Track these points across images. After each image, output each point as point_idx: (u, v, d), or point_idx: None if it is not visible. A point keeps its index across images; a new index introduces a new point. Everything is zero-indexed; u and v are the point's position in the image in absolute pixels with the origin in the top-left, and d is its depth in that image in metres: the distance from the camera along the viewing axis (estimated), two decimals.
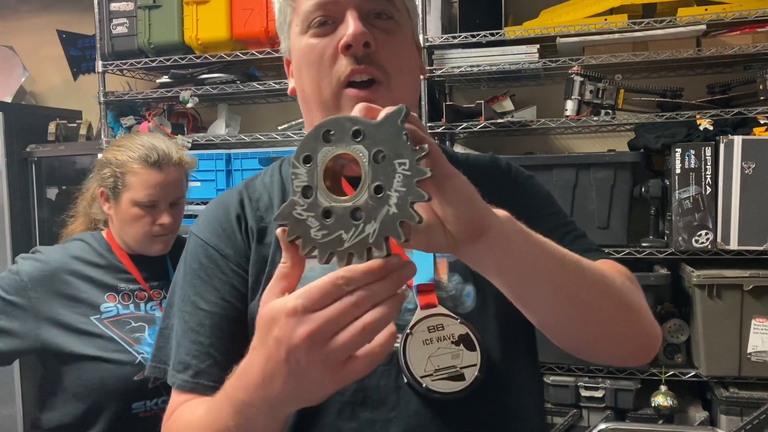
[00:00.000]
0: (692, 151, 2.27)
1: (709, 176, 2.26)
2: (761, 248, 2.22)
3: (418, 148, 0.55)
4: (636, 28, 2.37)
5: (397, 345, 0.84)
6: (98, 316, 1.54)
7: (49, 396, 1.56)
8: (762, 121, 2.27)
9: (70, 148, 3.03)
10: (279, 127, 2.79)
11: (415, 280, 0.87)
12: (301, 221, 0.57)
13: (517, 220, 0.67)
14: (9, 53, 3.41)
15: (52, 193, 3.20)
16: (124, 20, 2.81)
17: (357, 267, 0.55)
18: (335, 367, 0.57)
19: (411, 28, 0.93)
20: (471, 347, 0.86)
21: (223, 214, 0.96)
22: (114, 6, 2.82)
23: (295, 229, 0.58)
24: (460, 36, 2.52)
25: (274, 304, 0.58)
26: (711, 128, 2.29)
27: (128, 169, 1.58)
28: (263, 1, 2.62)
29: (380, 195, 0.55)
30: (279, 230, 0.59)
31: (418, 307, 0.86)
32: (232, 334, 0.88)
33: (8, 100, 3.30)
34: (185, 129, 3.00)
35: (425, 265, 0.89)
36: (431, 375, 0.84)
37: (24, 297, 1.53)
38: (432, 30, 2.56)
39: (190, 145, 2.78)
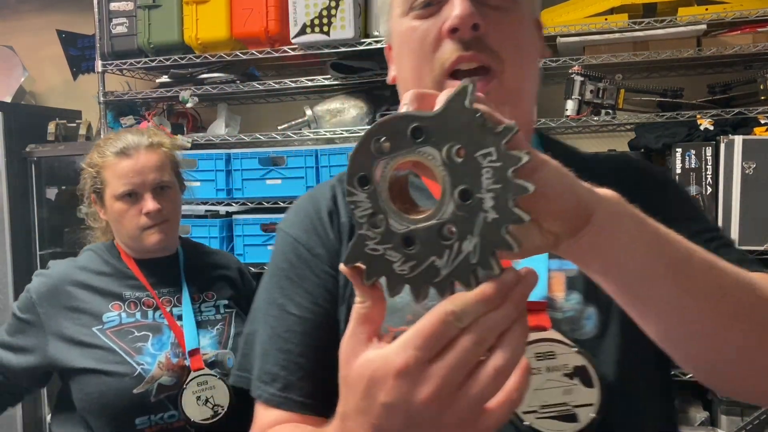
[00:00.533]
0: (693, 151, 2.26)
1: (709, 176, 2.25)
2: (762, 248, 2.22)
3: (501, 129, 0.43)
4: (636, 27, 2.37)
5: None
6: (100, 327, 1.48)
7: (60, 411, 1.53)
8: (762, 121, 2.27)
9: (70, 148, 3.03)
10: (279, 127, 2.78)
11: None
12: (378, 257, 0.47)
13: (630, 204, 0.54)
14: (9, 53, 3.40)
15: (51, 193, 3.19)
16: (124, 20, 2.80)
17: (467, 296, 0.45)
18: (470, 424, 0.46)
19: (530, 3, 0.80)
20: (588, 382, 0.70)
21: (314, 209, 0.86)
22: (113, 6, 2.81)
23: (374, 268, 0.47)
24: None
25: (370, 361, 0.47)
26: (711, 128, 2.29)
27: (102, 165, 1.53)
28: (263, 1, 2.61)
29: (469, 201, 0.44)
30: (344, 267, 0.48)
31: None
32: (323, 343, 0.79)
33: (8, 99, 3.30)
34: (185, 129, 3.00)
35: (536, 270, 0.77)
36: (536, 411, 0.70)
37: (33, 313, 1.50)
38: None
39: (189, 145, 2.78)
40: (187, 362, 1.48)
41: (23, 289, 1.57)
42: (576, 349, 0.72)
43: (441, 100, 0.46)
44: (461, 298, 0.45)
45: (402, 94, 0.77)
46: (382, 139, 0.46)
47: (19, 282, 2.94)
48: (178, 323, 1.52)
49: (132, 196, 1.51)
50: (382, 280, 0.47)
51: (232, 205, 2.73)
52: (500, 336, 0.45)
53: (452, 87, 0.69)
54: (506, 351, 0.45)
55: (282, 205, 2.63)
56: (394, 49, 0.83)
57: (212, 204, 2.73)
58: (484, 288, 0.44)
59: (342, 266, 0.48)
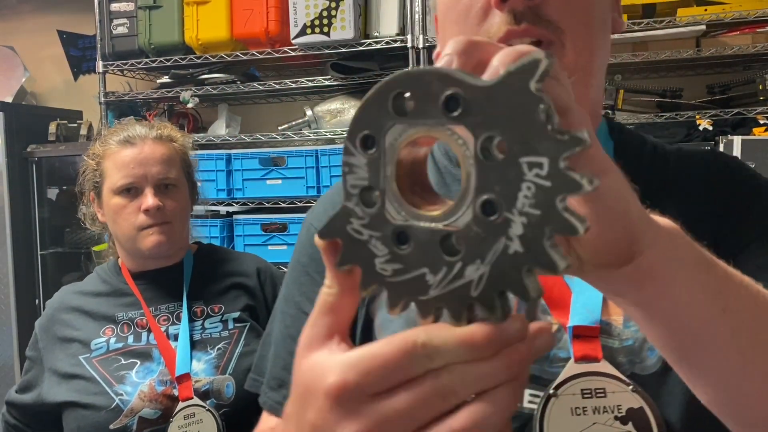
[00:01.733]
0: None
1: None
2: None
3: (567, 137, 0.31)
4: (636, 28, 2.37)
5: (532, 407, 0.60)
6: (87, 355, 1.32)
7: None
8: (761, 121, 2.27)
9: (71, 148, 3.03)
10: (279, 127, 2.79)
11: (572, 320, 0.62)
12: (359, 243, 0.37)
13: (694, 239, 0.43)
14: (9, 53, 3.41)
15: (52, 193, 3.20)
16: (125, 20, 2.81)
17: (448, 333, 0.34)
18: None
19: None
20: (645, 429, 0.58)
21: (340, 199, 0.78)
22: (114, 6, 2.82)
23: (351, 253, 0.37)
24: None
25: (313, 367, 0.37)
26: (710, 128, 2.29)
27: (102, 154, 1.39)
28: (263, 1, 2.62)
29: (494, 217, 0.33)
30: (318, 240, 0.38)
31: (572, 359, 0.61)
32: None
33: (9, 100, 3.30)
34: (185, 129, 3.00)
35: (589, 299, 0.62)
36: None
37: (35, 349, 1.38)
38: (432, 30, 2.56)
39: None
40: (175, 391, 1.27)
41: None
42: (632, 387, 0.59)
43: (498, 65, 0.34)
44: (441, 333, 0.34)
45: None
46: (407, 95, 0.34)
47: (19, 282, 2.94)
48: (173, 344, 1.33)
49: (131, 191, 1.34)
50: (357, 272, 0.37)
51: (232, 205, 2.73)
52: (479, 395, 0.34)
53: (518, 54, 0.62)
54: (475, 415, 0.33)
55: (282, 205, 2.64)
56: (438, 20, 0.72)
57: (213, 204, 2.73)
58: (474, 330, 0.33)
59: (316, 238, 0.38)
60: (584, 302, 0.60)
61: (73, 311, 1.38)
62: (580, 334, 0.60)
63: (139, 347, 1.33)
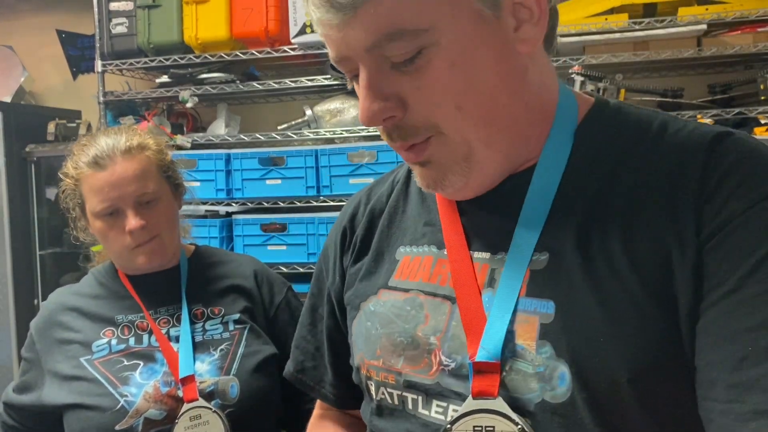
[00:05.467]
0: None
1: None
2: None
3: None
4: (636, 27, 2.36)
5: (441, 418, 0.66)
6: (89, 357, 1.31)
7: None
8: (763, 121, 2.26)
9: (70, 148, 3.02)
10: (279, 127, 2.78)
11: (478, 355, 0.63)
12: None
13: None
14: (8, 53, 3.40)
15: (51, 193, 3.19)
16: (124, 20, 2.80)
17: None
18: None
19: (459, 27, 0.60)
20: None
21: (340, 219, 0.85)
22: (113, 6, 2.81)
23: None
24: None
25: None
26: None
27: (77, 177, 1.35)
28: (263, 1, 2.61)
29: None
30: None
31: (470, 395, 0.62)
32: (339, 351, 0.85)
33: (7, 99, 3.29)
34: (184, 129, 3.00)
35: (497, 332, 0.62)
36: None
37: (33, 351, 1.37)
38: None
39: (189, 145, 2.77)
40: (180, 392, 1.28)
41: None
42: (519, 427, 0.59)
43: None
44: None
45: None
46: None
47: (18, 282, 2.93)
48: (174, 346, 1.33)
49: (113, 214, 1.31)
50: None
51: (231, 205, 2.72)
52: None
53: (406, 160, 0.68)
54: None
55: (282, 205, 2.63)
56: None
57: (212, 204, 2.72)
58: None
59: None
60: (492, 335, 0.61)
61: (71, 313, 1.38)
62: (481, 369, 0.61)
63: (142, 349, 1.33)
